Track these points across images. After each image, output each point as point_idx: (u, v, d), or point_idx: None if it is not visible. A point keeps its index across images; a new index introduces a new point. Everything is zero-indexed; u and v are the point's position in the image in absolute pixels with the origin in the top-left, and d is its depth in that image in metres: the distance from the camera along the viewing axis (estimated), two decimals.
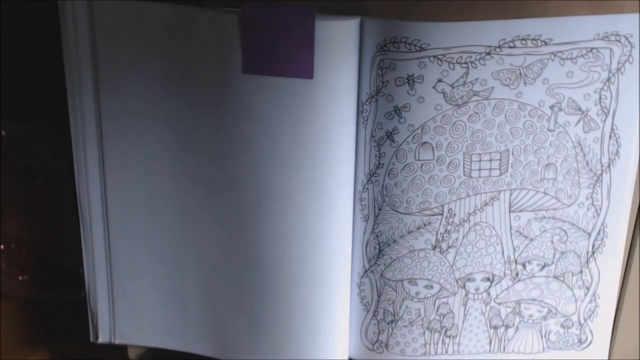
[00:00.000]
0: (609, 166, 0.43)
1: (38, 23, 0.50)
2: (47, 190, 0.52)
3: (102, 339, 0.51)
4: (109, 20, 0.43)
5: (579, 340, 0.47)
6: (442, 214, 0.44)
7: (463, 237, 0.44)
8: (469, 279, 0.45)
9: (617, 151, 0.43)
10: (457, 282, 0.45)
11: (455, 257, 0.45)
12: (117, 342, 0.51)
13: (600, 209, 0.44)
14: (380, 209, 0.45)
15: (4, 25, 0.50)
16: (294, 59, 0.41)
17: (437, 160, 0.43)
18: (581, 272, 0.46)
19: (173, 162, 0.45)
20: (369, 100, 0.43)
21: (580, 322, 0.47)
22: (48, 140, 0.51)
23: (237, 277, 0.47)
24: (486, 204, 0.44)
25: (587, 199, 0.44)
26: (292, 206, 0.44)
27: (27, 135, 0.51)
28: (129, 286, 0.49)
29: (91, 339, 0.51)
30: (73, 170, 0.47)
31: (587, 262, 0.45)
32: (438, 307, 0.46)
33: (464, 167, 0.43)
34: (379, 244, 0.45)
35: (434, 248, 0.45)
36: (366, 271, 0.46)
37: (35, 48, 0.51)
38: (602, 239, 0.45)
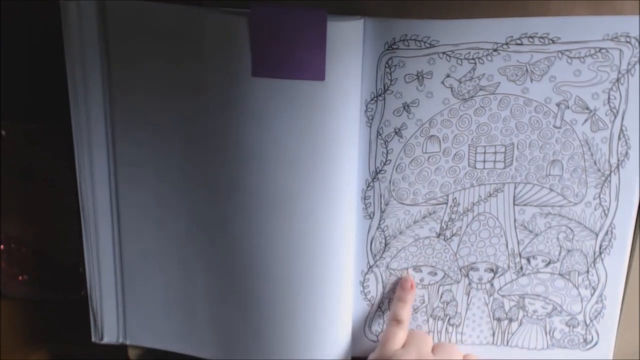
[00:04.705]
0: (617, 167, 0.44)
1: (39, 23, 0.49)
2: (48, 190, 0.51)
3: (108, 339, 0.50)
4: (120, 22, 0.43)
5: (585, 340, 0.47)
6: (446, 203, 0.45)
7: (467, 226, 0.45)
8: (472, 268, 0.46)
9: (627, 153, 0.43)
10: (460, 270, 0.46)
11: (459, 245, 0.45)
12: (127, 342, 0.50)
13: (609, 209, 0.44)
14: (387, 204, 0.45)
15: (4, 25, 0.49)
16: (306, 61, 0.40)
17: (443, 152, 0.44)
18: (587, 271, 0.46)
19: (183, 164, 0.45)
20: (375, 99, 0.43)
21: (586, 322, 0.47)
22: (48, 140, 0.50)
23: (245, 281, 0.46)
24: (490, 195, 0.44)
25: (594, 198, 0.44)
26: (301, 209, 0.44)
27: (27, 135, 0.50)
28: (139, 287, 0.49)
29: (93, 339, 0.50)
30: (73, 171, 0.47)
31: (594, 262, 0.45)
32: (442, 294, 0.47)
33: (468, 158, 0.44)
34: (385, 237, 0.46)
35: (439, 235, 0.45)
36: (370, 267, 0.47)
37: (35, 48, 0.49)
38: (610, 240, 0.45)
